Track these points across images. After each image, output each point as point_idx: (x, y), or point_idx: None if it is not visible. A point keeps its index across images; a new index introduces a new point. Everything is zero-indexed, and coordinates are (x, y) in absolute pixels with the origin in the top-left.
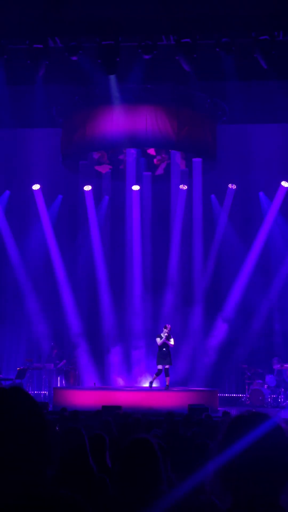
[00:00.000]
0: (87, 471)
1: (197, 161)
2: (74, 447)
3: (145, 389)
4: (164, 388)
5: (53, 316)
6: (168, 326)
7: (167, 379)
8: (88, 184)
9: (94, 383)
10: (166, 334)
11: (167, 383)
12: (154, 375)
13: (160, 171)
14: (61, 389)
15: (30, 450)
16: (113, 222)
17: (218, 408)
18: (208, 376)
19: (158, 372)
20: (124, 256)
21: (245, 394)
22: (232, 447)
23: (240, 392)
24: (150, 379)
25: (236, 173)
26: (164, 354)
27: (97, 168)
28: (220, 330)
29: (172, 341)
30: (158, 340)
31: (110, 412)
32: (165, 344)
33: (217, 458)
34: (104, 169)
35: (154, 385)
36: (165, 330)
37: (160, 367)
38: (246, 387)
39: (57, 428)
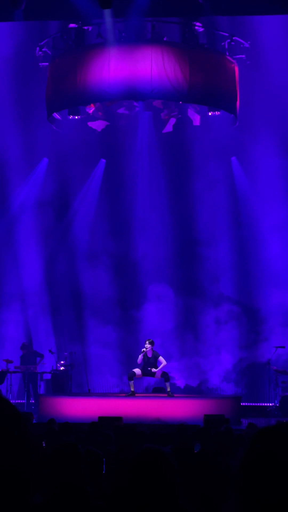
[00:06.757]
0: (81, 498)
1: (214, 115)
2: (67, 468)
3: (151, 396)
4: (167, 395)
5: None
6: (148, 345)
7: (167, 384)
8: (80, 144)
9: (89, 389)
10: (145, 349)
11: (168, 389)
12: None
13: (168, 128)
14: (48, 396)
15: (10, 471)
16: (112, 191)
17: (241, 420)
18: (229, 381)
19: (130, 376)
20: (128, 230)
21: (274, 402)
22: (257, 467)
23: (268, 399)
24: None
25: (260, 129)
26: (147, 371)
27: (91, 124)
28: (242, 322)
29: (162, 360)
30: (140, 357)
31: (109, 424)
32: (149, 362)
33: (239, 480)
34: (100, 126)
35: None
36: (146, 345)
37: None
38: (276, 393)
39: (43, 445)
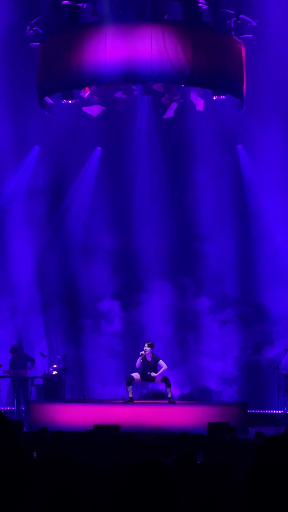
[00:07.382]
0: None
1: (219, 99)
2: (61, 480)
3: (150, 402)
4: (168, 401)
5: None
6: (147, 348)
7: (168, 390)
8: (73, 131)
9: (84, 395)
10: (144, 352)
11: (169, 395)
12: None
13: (170, 113)
14: (40, 403)
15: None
16: (108, 181)
17: (248, 428)
18: (235, 386)
19: (128, 381)
20: (126, 223)
21: (284, 409)
22: (265, 478)
23: (277, 406)
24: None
25: (269, 115)
26: (146, 375)
27: (86, 109)
28: (247, 323)
29: (163, 364)
30: (138, 361)
31: (105, 433)
32: (148, 366)
33: (245, 493)
34: (96, 111)
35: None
36: (145, 348)
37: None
38: (285, 400)
39: (35, 455)
